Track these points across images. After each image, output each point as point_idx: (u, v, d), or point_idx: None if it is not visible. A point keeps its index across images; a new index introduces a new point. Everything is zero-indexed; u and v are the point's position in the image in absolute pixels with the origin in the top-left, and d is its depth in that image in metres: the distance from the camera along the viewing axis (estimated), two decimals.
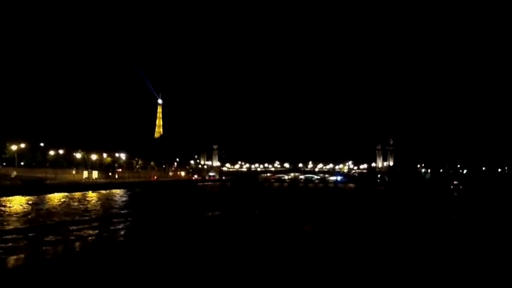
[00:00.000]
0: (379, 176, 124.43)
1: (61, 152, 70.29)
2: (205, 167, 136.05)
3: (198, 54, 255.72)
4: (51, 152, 69.45)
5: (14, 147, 62.06)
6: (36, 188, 46.67)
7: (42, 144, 70.19)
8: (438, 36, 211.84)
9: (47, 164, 67.36)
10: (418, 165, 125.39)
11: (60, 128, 78.23)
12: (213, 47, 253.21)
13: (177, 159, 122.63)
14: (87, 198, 43.91)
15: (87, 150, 74.15)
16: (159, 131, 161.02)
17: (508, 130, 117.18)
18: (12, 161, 63.07)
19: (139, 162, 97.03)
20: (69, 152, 71.41)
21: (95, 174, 73.42)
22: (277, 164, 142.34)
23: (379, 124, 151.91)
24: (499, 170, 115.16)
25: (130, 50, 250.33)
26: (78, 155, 72.84)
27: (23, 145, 63.29)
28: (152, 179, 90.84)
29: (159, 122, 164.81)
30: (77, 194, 47.61)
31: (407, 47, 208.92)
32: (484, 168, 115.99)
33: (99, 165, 77.72)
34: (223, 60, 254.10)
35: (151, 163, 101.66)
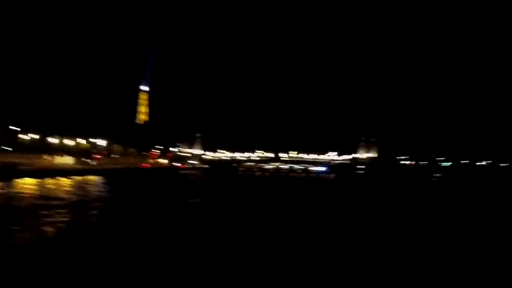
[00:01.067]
0: (357, 166, 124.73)
1: (36, 137, 67.80)
2: (187, 155, 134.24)
3: (182, 42, 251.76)
4: (26, 137, 66.87)
5: None
6: (5, 174, 44.49)
7: (17, 129, 67.56)
8: (419, 28, 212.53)
9: (22, 150, 64.93)
10: (401, 157, 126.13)
11: (36, 112, 75.30)
12: (197, 36, 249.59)
13: (159, 146, 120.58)
14: (62, 184, 42.47)
15: (64, 135, 71.73)
16: (142, 118, 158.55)
17: (488, 124, 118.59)
18: None
19: (119, 148, 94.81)
20: (45, 137, 68.92)
21: (70, 159, 71.10)
22: (260, 153, 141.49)
23: (363, 116, 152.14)
24: (480, 163, 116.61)
25: (117, 38, 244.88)
26: (54, 140, 70.43)
27: None
28: (143, 165, 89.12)
29: (142, 108, 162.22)
30: (51, 180, 46.19)
31: (390, 40, 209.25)
32: (465, 161, 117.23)
33: (75, 151, 75.48)
34: (207, 48, 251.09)
35: (131, 149, 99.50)
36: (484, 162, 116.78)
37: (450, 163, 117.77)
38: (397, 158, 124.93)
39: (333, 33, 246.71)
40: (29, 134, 68.13)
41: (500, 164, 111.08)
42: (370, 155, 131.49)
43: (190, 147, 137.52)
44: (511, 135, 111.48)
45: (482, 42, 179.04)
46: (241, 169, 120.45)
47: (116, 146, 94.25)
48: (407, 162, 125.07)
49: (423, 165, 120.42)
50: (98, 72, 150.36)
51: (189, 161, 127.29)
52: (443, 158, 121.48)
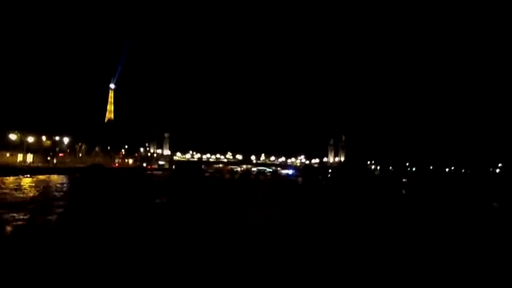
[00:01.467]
0: (330, 170, 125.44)
1: None
2: (155, 155, 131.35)
3: (152, 41, 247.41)
4: None
5: None
6: None
7: None
8: (390, 32, 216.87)
9: None
10: (368, 162, 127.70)
11: None
12: (166, 34, 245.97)
13: (126, 146, 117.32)
14: (21, 183, 40.20)
15: (25, 132, 67.94)
16: (109, 116, 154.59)
17: (455, 129, 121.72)
18: None
19: (83, 147, 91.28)
20: (3, 132, 65.09)
21: (30, 157, 67.63)
22: (229, 155, 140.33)
23: (332, 119, 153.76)
24: (447, 169, 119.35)
25: (84, 34, 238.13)
26: (14, 137, 66.68)
27: None
28: (113, 165, 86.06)
29: (109, 107, 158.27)
30: (10, 179, 43.87)
31: (359, 43, 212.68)
32: (431, 167, 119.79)
33: (37, 149, 71.81)
34: (176, 47, 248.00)
35: (96, 149, 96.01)
36: (450, 168, 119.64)
37: (417, 168, 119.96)
38: (365, 162, 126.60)
39: (305, 37, 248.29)
40: None
41: (462, 171, 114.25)
42: (339, 158, 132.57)
43: (159, 147, 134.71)
44: (476, 141, 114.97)
45: (456, 49, 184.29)
46: (210, 171, 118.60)
47: (79, 144, 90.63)
48: (374, 166, 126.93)
49: (391, 170, 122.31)
50: (67, 68, 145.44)
51: (158, 162, 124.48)
52: (409, 163, 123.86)
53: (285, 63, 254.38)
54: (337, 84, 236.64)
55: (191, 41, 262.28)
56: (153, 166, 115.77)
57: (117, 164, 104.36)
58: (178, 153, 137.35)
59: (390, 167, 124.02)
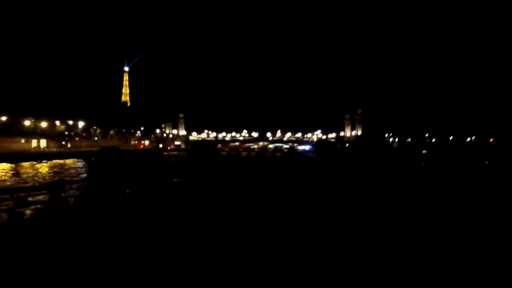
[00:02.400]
0: (346, 145, 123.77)
1: (3, 118, 64.61)
2: (171, 136, 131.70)
3: (166, 20, 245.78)
4: None
5: None
6: None
7: None
8: (408, 6, 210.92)
9: None
10: (386, 134, 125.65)
11: (9, 92, 71.29)
12: (181, 15, 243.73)
13: (142, 128, 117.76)
14: (37, 168, 40.65)
15: (39, 117, 68.22)
16: (124, 99, 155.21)
17: (475, 99, 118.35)
18: None
19: (98, 130, 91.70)
20: (17, 118, 65.42)
21: (44, 142, 68.11)
22: (245, 133, 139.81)
23: (348, 93, 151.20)
24: (467, 139, 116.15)
25: (96, 17, 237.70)
26: (27, 122, 67.09)
27: None
28: (139, 146, 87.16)
29: (125, 90, 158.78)
30: (25, 164, 44.36)
31: (376, 16, 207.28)
32: (451, 138, 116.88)
33: (52, 134, 72.28)
34: (191, 26, 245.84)
35: (111, 132, 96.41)
36: (471, 138, 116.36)
37: (436, 139, 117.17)
38: (383, 135, 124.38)
39: (320, 13, 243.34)
40: (1, 116, 64.67)
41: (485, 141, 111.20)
42: (356, 132, 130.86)
43: (174, 128, 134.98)
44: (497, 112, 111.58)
45: (474, 18, 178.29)
46: (226, 149, 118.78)
47: (94, 128, 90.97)
48: (392, 139, 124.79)
49: (409, 142, 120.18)
50: (80, 53, 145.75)
51: (174, 142, 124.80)
52: (429, 135, 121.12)
53: (300, 37, 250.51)
54: (351, 56, 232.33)
55: (204, 21, 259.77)
56: (171, 147, 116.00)
57: (142, 146, 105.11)
58: (194, 133, 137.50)
59: (409, 139, 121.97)
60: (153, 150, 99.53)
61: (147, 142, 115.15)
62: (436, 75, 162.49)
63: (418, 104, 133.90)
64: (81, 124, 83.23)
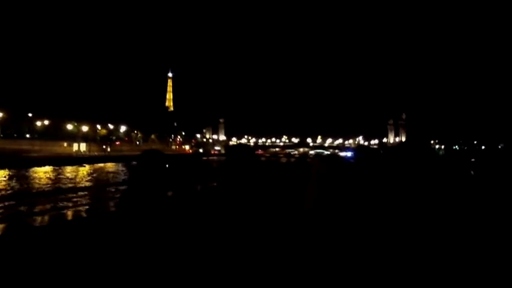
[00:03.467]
0: (383, 152, 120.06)
1: (47, 122, 66.47)
2: (211, 141, 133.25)
3: (207, 27, 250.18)
4: (38, 123, 65.76)
5: None
6: (12, 161, 43.00)
7: (30, 115, 66.46)
8: (456, 5, 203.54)
9: (35, 136, 64.24)
10: (431, 141, 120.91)
11: (53, 96, 73.44)
12: (222, 21, 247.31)
13: (183, 133, 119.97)
14: (79, 171, 41.65)
15: (81, 121, 69.97)
16: (168, 104, 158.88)
17: None
18: None
19: (139, 134, 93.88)
20: (60, 122, 67.44)
21: (83, 146, 69.73)
22: (284, 139, 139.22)
23: (392, 98, 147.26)
24: None
25: (141, 24, 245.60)
26: (70, 126, 69.09)
27: (0, 114, 58.43)
28: (187, 151, 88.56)
29: (168, 95, 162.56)
30: (68, 168, 45.03)
31: (421, 18, 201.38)
32: (502, 145, 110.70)
33: (93, 138, 74.10)
34: (231, 33, 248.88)
35: (152, 136, 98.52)
36: None
37: (486, 146, 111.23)
38: (428, 141, 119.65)
39: (362, 15, 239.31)
40: (45, 120, 66.96)
41: None
42: (399, 138, 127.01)
43: (215, 133, 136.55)
44: None
45: None
46: (266, 155, 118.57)
47: (135, 132, 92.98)
48: (438, 146, 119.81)
49: (456, 149, 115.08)
50: (124, 57, 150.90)
51: (213, 147, 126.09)
52: (478, 142, 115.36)
53: (342, 42, 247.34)
54: (395, 60, 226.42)
55: (245, 24, 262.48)
56: (214, 152, 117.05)
57: (191, 151, 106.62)
58: (234, 138, 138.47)
59: (455, 146, 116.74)
60: (194, 155, 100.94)
61: (187, 147, 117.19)
62: (486, 79, 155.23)
63: (466, 109, 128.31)
64: (122, 128, 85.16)
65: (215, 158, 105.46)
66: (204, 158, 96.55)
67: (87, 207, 17.86)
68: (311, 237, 2.21)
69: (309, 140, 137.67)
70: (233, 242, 1.87)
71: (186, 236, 1.93)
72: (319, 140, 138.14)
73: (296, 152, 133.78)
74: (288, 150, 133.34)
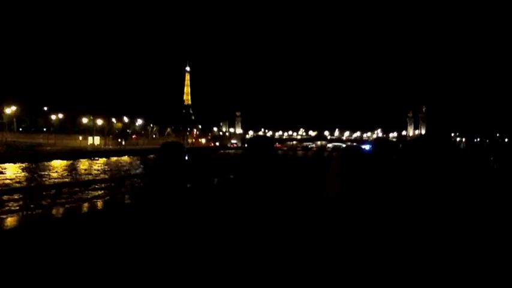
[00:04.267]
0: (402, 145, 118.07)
1: (61, 116, 66.59)
2: (227, 134, 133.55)
3: (223, 22, 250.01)
4: (53, 117, 65.94)
5: (8, 111, 57.16)
6: (27, 155, 42.38)
7: (45, 108, 66.81)
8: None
9: (51, 129, 64.29)
10: (452, 134, 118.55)
11: (68, 91, 73.48)
12: (241, 15, 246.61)
13: (200, 126, 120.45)
14: (96, 164, 41.92)
15: (97, 115, 69.40)
16: (186, 98, 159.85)
17: None
18: (10, 125, 58.32)
19: (155, 128, 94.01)
20: (75, 116, 67.01)
21: (97, 140, 69.51)
22: (301, 132, 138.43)
23: (411, 89, 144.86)
24: None
25: (160, 19, 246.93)
26: (85, 120, 68.55)
27: (14, 108, 57.95)
28: (209, 144, 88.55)
29: (186, 89, 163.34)
30: (84, 161, 44.82)
31: (443, 11, 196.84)
32: None
33: (108, 131, 73.38)
34: (250, 27, 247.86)
35: (168, 130, 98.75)
36: None
37: (510, 139, 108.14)
38: (449, 134, 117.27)
39: (381, 6, 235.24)
40: (59, 114, 66.93)
41: None
42: (419, 131, 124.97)
43: (231, 126, 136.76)
44: None
45: None
46: (285, 148, 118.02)
47: (151, 126, 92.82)
48: (459, 139, 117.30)
49: (477, 141, 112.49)
50: (142, 51, 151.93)
51: (230, 141, 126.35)
52: (500, 134, 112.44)
53: (361, 35, 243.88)
54: (416, 51, 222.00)
55: (264, 19, 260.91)
56: (232, 145, 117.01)
57: (211, 144, 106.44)
58: (250, 132, 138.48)
59: (477, 139, 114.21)
60: (212, 148, 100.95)
61: (203, 140, 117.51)
62: (509, 71, 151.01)
63: (488, 101, 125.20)
64: (139, 122, 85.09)
65: (232, 151, 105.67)
66: (221, 151, 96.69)
67: (104, 198, 17.98)
68: (336, 226, 2.10)
69: (326, 133, 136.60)
70: (250, 230, 1.96)
71: (204, 225, 2.04)
72: (336, 133, 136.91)
73: (314, 145, 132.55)
74: (305, 144, 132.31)
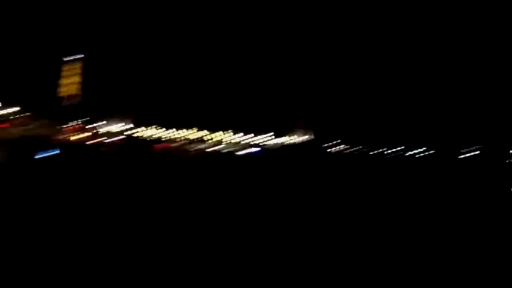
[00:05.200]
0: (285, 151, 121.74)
1: None
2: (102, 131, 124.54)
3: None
4: None
5: None
6: None
7: None
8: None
9: None
10: (336, 141, 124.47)
11: None
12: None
13: (80, 121, 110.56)
14: None
15: None
16: (66, 90, 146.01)
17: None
18: None
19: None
20: None
21: None
22: (190, 131, 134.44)
23: (302, 94, 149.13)
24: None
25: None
26: None
27: None
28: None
29: (65, 81, 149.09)
30: None
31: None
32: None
33: None
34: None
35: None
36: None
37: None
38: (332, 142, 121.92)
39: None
40: None
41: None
42: (306, 137, 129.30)
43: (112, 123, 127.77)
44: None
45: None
46: (174, 145, 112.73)
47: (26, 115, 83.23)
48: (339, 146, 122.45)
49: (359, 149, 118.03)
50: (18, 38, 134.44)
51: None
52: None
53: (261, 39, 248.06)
54: (299, 60, 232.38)
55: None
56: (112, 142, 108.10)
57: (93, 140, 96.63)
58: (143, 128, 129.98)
59: (358, 147, 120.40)
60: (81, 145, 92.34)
61: (85, 135, 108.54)
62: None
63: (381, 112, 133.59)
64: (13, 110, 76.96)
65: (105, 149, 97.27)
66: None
67: None
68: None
69: (217, 133, 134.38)
70: None
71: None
72: (228, 135, 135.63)
73: (199, 147, 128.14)
74: (192, 146, 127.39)
